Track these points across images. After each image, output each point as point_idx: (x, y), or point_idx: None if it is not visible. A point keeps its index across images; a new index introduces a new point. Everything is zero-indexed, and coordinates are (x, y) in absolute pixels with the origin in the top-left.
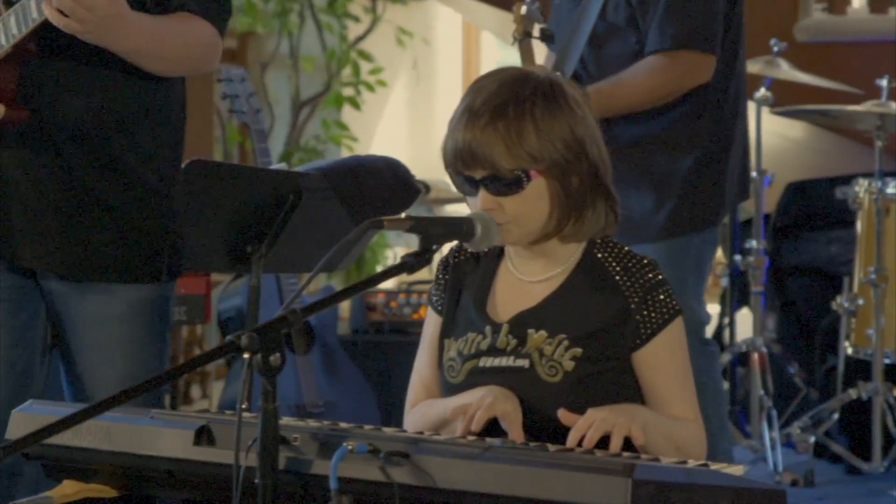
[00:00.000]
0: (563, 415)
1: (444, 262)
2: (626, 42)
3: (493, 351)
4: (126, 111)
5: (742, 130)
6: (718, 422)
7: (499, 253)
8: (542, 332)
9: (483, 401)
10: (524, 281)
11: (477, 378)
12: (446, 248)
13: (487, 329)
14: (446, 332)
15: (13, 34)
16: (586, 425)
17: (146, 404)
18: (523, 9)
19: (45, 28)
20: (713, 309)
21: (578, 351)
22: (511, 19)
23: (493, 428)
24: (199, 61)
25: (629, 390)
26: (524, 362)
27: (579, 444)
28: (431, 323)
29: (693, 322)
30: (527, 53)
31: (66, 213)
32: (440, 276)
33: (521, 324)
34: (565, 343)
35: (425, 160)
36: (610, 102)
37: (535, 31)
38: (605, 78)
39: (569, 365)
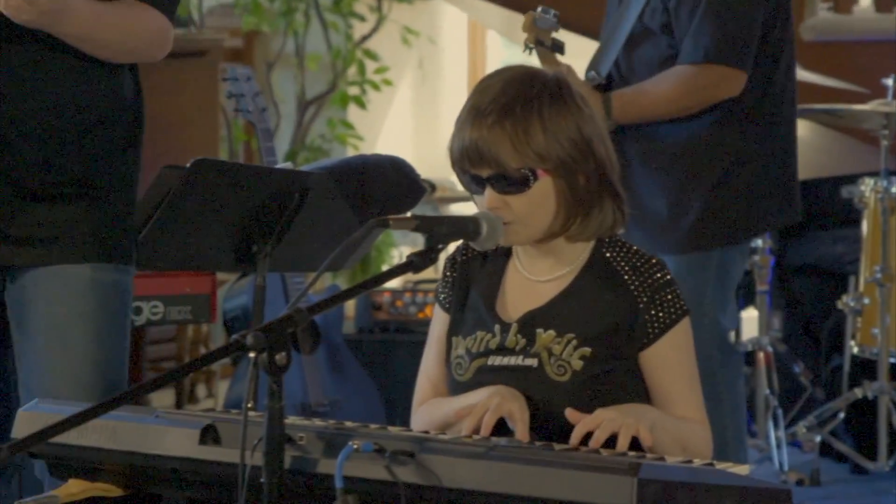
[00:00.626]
0: (570, 414)
1: (451, 260)
2: (658, 47)
3: (502, 350)
4: (70, 105)
5: (784, 147)
6: (735, 433)
7: (506, 251)
8: (551, 332)
9: (490, 401)
10: (532, 280)
11: (485, 376)
12: (452, 246)
13: (496, 328)
14: (454, 329)
15: None
16: (593, 423)
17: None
18: (533, 18)
19: None
20: None
21: (587, 350)
22: (519, 20)
23: (500, 428)
24: (146, 48)
25: (637, 390)
26: (533, 361)
27: (584, 442)
28: (439, 321)
29: (714, 333)
30: (545, 58)
31: (12, 208)
32: (447, 273)
33: (529, 323)
34: (574, 342)
35: (431, 159)
36: (632, 109)
37: (547, 41)
38: (633, 81)
39: (577, 364)
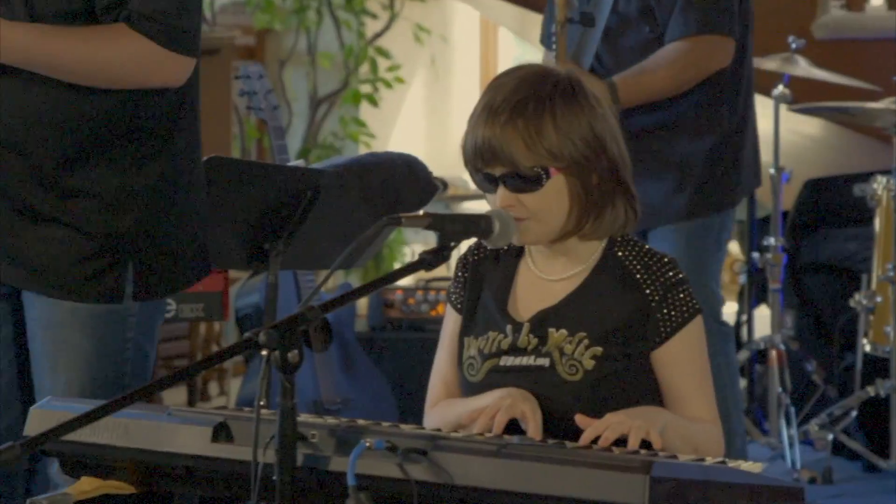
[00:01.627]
0: (579, 419)
1: (464, 260)
2: (640, 32)
3: (514, 350)
4: (66, 125)
5: (753, 116)
6: (734, 402)
7: (518, 251)
8: (563, 331)
9: (501, 402)
10: (545, 279)
11: (497, 377)
12: (464, 245)
13: (508, 328)
14: (466, 330)
15: None
16: (603, 426)
17: None
18: None
19: None
20: (731, 307)
21: (599, 350)
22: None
23: (512, 429)
24: (129, 75)
25: (648, 389)
26: (544, 361)
27: (594, 441)
28: (451, 321)
29: (712, 302)
30: (563, 44)
31: (10, 228)
32: (459, 274)
33: (541, 323)
34: (585, 342)
35: (443, 157)
36: (636, 91)
37: (577, 17)
38: (619, 70)
39: (589, 364)
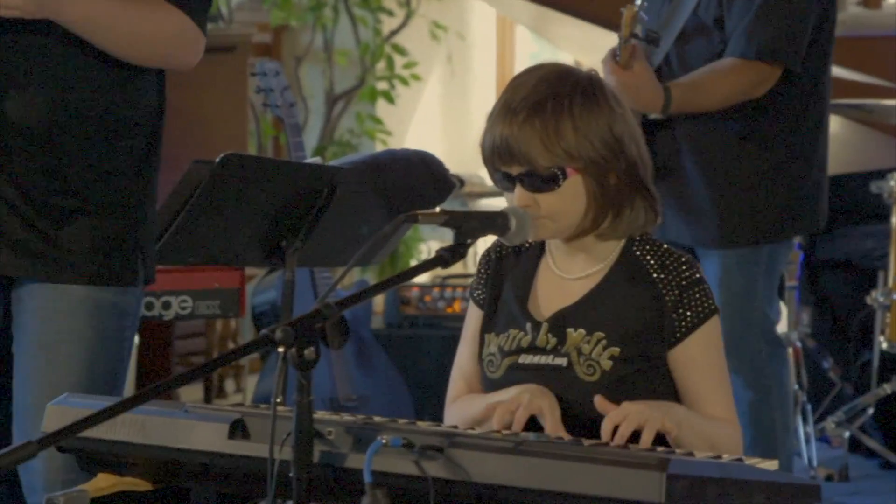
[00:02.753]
0: (598, 401)
1: (486, 257)
2: (711, 42)
3: (533, 349)
4: (67, 115)
5: (824, 147)
6: (784, 427)
7: (540, 249)
8: (581, 331)
9: (521, 397)
10: (564, 278)
11: (516, 374)
12: (481, 242)
13: (528, 326)
14: (487, 326)
15: None
16: (620, 417)
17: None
18: (635, 12)
19: None
20: None
21: (616, 350)
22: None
23: (531, 425)
24: (166, 49)
25: (666, 390)
26: (562, 361)
27: (612, 435)
28: (473, 317)
29: (764, 324)
30: (627, 55)
31: (16, 217)
32: (482, 270)
33: (560, 322)
34: (603, 342)
35: (459, 154)
36: (687, 102)
37: (641, 33)
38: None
39: (607, 364)
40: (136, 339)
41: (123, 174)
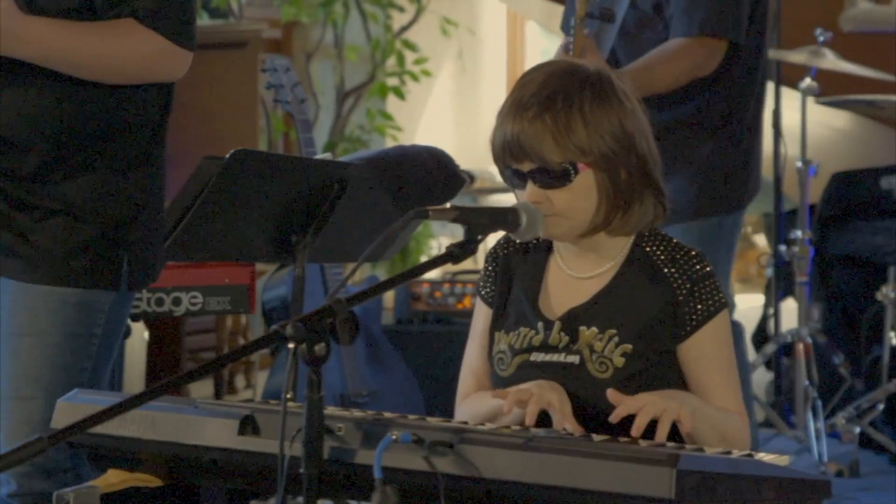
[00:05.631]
0: (611, 394)
1: (493, 254)
2: (656, 30)
3: (545, 347)
4: (56, 120)
5: (761, 122)
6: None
7: (547, 246)
8: (593, 329)
9: (531, 389)
10: (574, 277)
11: (527, 372)
12: (492, 238)
13: (540, 325)
14: (496, 324)
15: None
16: (635, 406)
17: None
18: None
19: None
20: (758, 300)
21: (629, 347)
22: (558, 10)
23: (543, 421)
24: (139, 70)
25: (676, 384)
26: (575, 359)
27: (624, 428)
28: (481, 315)
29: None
30: (581, 39)
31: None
32: (489, 267)
33: (572, 321)
34: (616, 339)
35: (470, 150)
36: (643, 86)
37: (596, 12)
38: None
39: (619, 361)
40: (146, 334)
41: (112, 176)
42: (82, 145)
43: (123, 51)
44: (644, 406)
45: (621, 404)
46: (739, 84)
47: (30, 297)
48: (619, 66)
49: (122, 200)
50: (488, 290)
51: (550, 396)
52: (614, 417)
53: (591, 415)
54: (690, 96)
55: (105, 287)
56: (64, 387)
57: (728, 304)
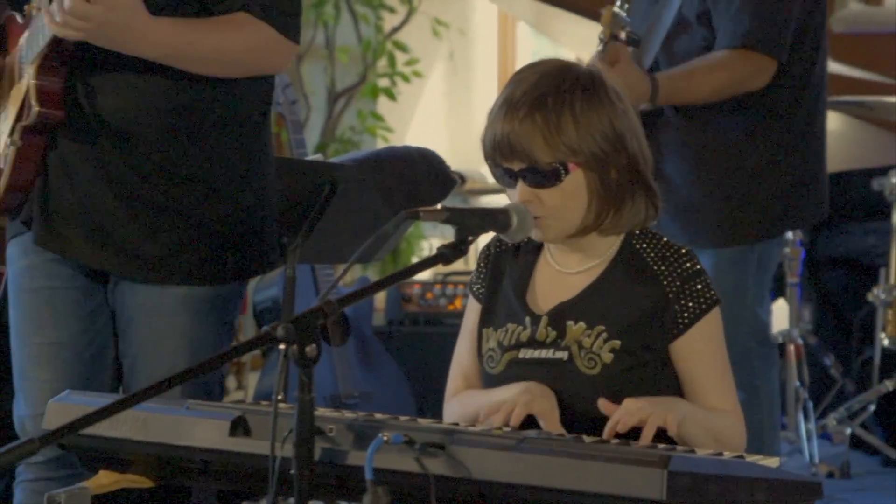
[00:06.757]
0: (602, 403)
1: (486, 252)
2: (694, 38)
3: (533, 343)
4: (173, 112)
5: (819, 141)
6: (771, 427)
7: (538, 245)
8: (581, 324)
9: (520, 398)
10: (563, 272)
11: (516, 369)
12: (483, 238)
13: (527, 320)
14: (485, 321)
15: (46, 35)
16: (622, 415)
17: (200, 395)
18: (614, 10)
19: None
20: None
21: (617, 343)
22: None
23: (530, 423)
24: (253, 63)
25: (668, 382)
26: (563, 354)
27: (616, 435)
28: (472, 312)
29: (755, 325)
30: (611, 56)
31: (113, 215)
32: (481, 264)
33: (560, 316)
34: (604, 335)
35: (461, 151)
36: (675, 93)
37: (622, 35)
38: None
39: (607, 357)
40: None
41: (225, 168)
42: (195, 139)
43: (239, 45)
44: (630, 412)
45: (610, 419)
46: (783, 104)
47: (167, 299)
48: (658, 69)
49: (240, 191)
50: (479, 286)
51: (542, 405)
52: (608, 434)
53: (580, 411)
54: (731, 114)
55: (233, 280)
56: (209, 378)
57: (720, 302)
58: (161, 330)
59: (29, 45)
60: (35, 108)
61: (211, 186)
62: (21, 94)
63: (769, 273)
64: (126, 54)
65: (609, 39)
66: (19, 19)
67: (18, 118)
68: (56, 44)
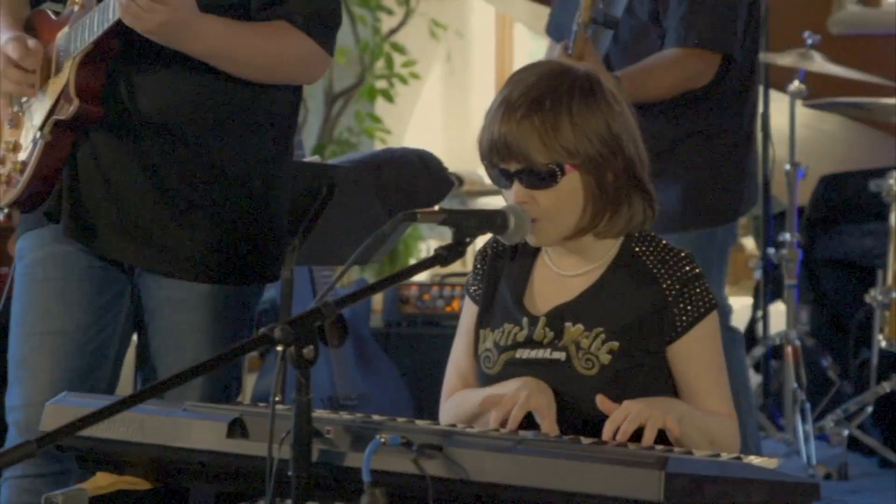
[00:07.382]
0: (600, 401)
1: (482, 253)
2: (651, 39)
3: (530, 343)
4: (212, 112)
5: (755, 136)
6: (747, 415)
7: (535, 247)
8: (579, 326)
9: (518, 394)
10: (561, 275)
11: (513, 369)
12: (480, 240)
13: (524, 321)
14: (482, 322)
15: (94, 31)
16: (621, 417)
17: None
18: None
19: (129, 28)
20: (746, 302)
21: (615, 344)
22: (545, 13)
23: (527, 421)
24: (290, 72)
25: (665, 384)
26: (561, 355)
27: (614, 436)
28: (468, 313)
29: (721, 309)
30: (581, 42)
31: (147, 210)
32: (478, 265)
33: (558, 317)
34: (602, 336)
35: (459, 153)
36: (635, 90)
37: (599, 17)
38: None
39: (605, 358)
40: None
41: (252, 171)
42: (235, 139)
43: (280, 52)
44: (629, 414)
45: (609, 417)
46: (733, 95)
47: (192, 295)
48: (611, 69)
49: (271, 193)
50: (476, 287)
51: (540, 401)
52: (605, 434)
53: (577, 411)
54: (684, 107)
55: (255, 281)
56: (228, 375)
57: (718, 306)
58: (183, 325)
59: (71, 41)
60: (75, 103)
61: (247, 187)
62: (58, 89)
63: (726, 259)
64: (166, 54)
65: (588, 23)
66: (52, 15)
67: (51, 112)
68: (104, 41)
